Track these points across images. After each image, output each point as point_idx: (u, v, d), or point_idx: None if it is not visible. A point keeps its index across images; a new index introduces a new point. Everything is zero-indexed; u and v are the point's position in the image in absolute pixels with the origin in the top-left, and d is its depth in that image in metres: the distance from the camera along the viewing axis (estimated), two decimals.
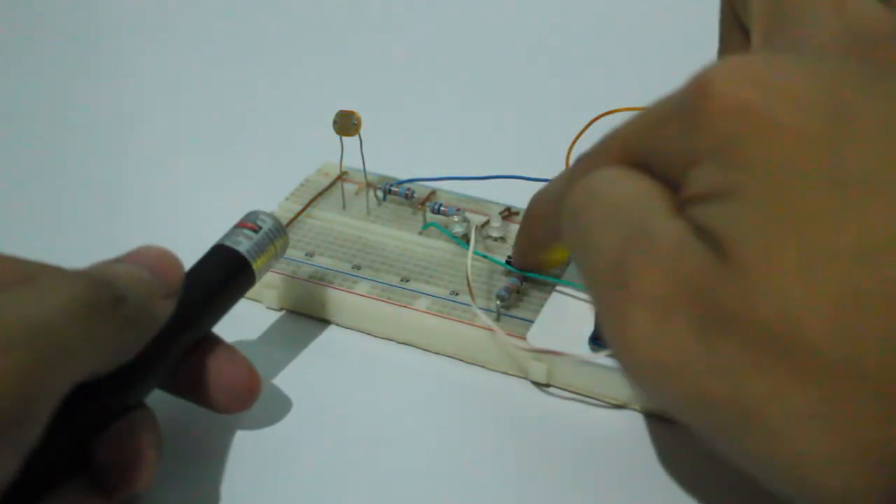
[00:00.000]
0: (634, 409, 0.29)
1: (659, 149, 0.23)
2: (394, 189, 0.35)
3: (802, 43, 0.22)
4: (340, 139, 0.33)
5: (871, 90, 0.20)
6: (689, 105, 0.21)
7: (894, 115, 0.20)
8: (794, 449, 0.19)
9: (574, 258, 0.24)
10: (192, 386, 0.27)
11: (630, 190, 0.23)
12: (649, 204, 0.22)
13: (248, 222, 0.29)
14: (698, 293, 0.20)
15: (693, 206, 0.21)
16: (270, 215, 0.29)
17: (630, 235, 0.22)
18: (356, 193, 0.35)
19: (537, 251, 0.30)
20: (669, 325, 0.20)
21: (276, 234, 0.29)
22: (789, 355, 0.19)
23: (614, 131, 0.24)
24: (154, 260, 0.26)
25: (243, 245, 0.28)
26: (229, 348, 0.28)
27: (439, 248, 0.33)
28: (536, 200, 0.29)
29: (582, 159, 0.25)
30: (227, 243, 0.28)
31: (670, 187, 0.22)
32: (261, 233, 0.29)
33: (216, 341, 0.28)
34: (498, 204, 0.35)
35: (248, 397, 0.28)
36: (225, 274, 0.28)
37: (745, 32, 0.26)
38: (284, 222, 0.30)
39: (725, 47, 0.29)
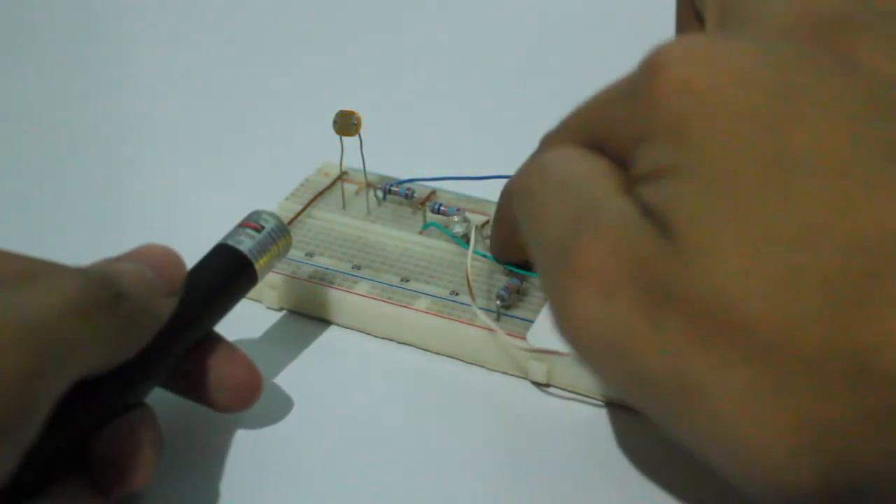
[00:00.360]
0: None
1: (611, 128, 0.23)
2: (394, 189, 0.35)
3: (756, 28, 0.22)
4: (340, 139, 0.33)
5: (821, 74, 0.20)
6: (639, 83, 0.21)
7: (841, 98, 0.20)
8: (735, 428, 0.19)
9: (525, 237, 0.24)
10: (193, 385, 0.27)
11: (579, 169, 0.23)
12: (598, 183, 0.22)
13: (251, 222, 0.29)
14: (643, 272, 0.20)
15: (640, 184, 0.21)
16: (273, 215, 0.29)
17: (577, 214, 0.22)
18: (356, 193, 0.35)
19: (510, 239, 0.30)
20: (614, 303, 0.20)
21: (278, 234, 0.29)
22: (730, 334, 0.19)
23: (572, 111, 0.24)
24: (156, 258, 0.26)
25: (245, 244, 0.28)
26: (231, 347, 0.28)
27: (439, 248, 0.33)
28: (506, 186, 0.29)
29: (544, 140, 0.25)
30: (230, 242, 0.28)
31: (622, 167, 0.22)
32: (263, 232, 0.29)
33: (218, 340, 0.28)
34: None
35: (250, 396, 0.27)
36: (227, 273, 0.28)
37: (701, 20, 0.26)
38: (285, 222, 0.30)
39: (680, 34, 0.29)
